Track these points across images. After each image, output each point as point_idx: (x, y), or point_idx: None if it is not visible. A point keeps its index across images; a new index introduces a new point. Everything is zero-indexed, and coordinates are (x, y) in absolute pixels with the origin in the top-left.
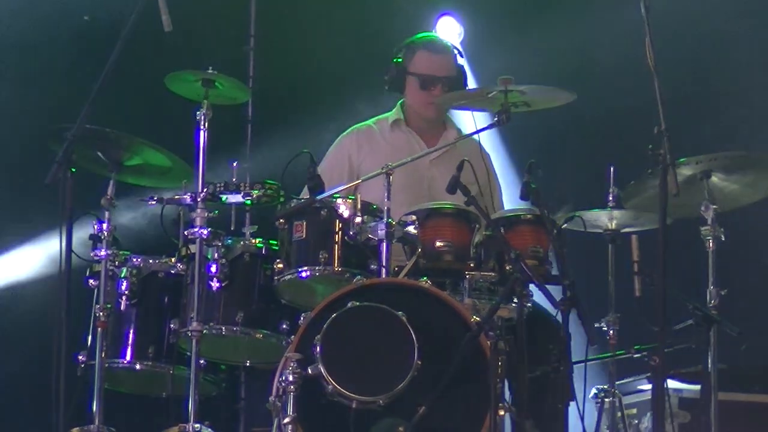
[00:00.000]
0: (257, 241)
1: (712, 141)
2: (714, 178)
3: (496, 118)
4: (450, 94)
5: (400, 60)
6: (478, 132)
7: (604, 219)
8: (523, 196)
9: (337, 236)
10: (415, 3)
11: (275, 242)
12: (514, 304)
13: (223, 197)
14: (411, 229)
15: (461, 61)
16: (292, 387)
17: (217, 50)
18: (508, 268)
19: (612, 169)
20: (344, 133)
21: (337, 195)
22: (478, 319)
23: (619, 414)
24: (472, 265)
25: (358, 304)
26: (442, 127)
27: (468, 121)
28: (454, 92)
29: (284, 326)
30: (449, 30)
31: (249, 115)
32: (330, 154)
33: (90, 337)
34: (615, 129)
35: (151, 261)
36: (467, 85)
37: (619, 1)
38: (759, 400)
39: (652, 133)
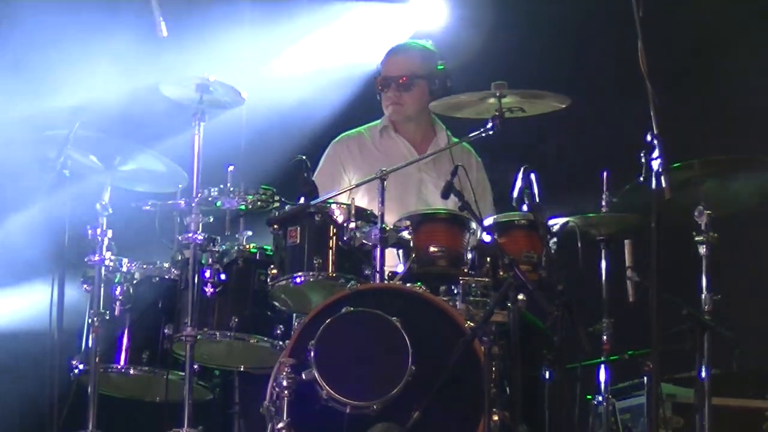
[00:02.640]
0: (251, 246)
1: (705, 146)
2: (707, 184)
3: (489, 124)
4: (442, 100)
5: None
6: (470, 138)
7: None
8: (517, 202)
9: (331, 241)
10: None
11: (269, 247)
12: (507, 309)
13: (218, 202)
14: (405, 234)
15: (436, 58)
16: (286, 392)
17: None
18: (501, 273)
19: (605, 174)
20: (334, 141)
21: (331, 200)
22: (472, 324)
23: (612, 419)
24: (465, 270)
25: (352, 309)
26: (431, 133)
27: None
28: (445, 98)
29: (278, 331)
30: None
31: (244, 120)
32: (322, 162)
33: (84, 342)
34: (608, 134)
35: (145, 266)
36: (444, 86)
37: (613, 3)
38: (752, 405)
39: (645, 139)
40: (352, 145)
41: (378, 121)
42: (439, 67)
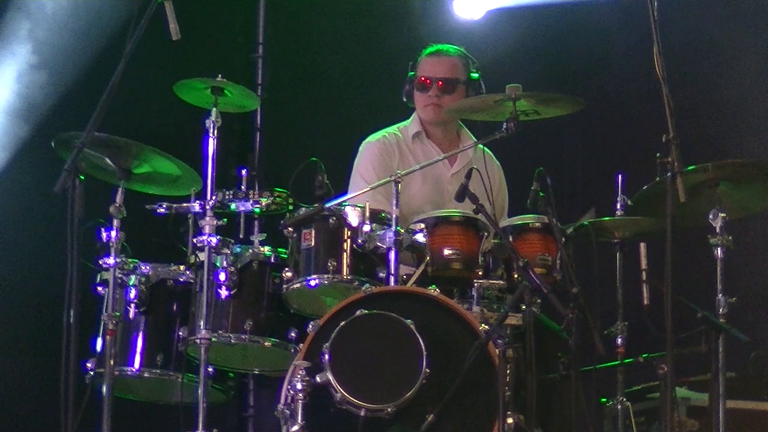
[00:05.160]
0: (266, 249)
1: (720, 149)
2: (722, 186)
3: (504, 127)
4: (457, 103)
5: (411, 73)
6: (484, 141)
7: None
8: (532, 205)
9: (345, 244)
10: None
11: (284, 250)
12: (522, 312)
13: (232, 205)
14: (419, 237)
15: (472, 65)
16: (300, 395)
17: (225, 58)
18: (516, 276)
19: (620, 177)
20: (376, 136)
21: (346, 203)
22: (486, 327)
23: (627, 422)
24: (480, 273)
25: (366, 312)
26: (457, 138)
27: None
28: (461, 101)
29: (293, 334)
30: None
31: (258, 122)
32: (371, 159)
33: (99, 345)
34: (624, 137)
35: (159, 269)
36: (478, 94)
37: (628, 9)
38: (767, 408)
39: (660, 141)
40: (394, 145)
41: (407, 122)
42: (475, 76)
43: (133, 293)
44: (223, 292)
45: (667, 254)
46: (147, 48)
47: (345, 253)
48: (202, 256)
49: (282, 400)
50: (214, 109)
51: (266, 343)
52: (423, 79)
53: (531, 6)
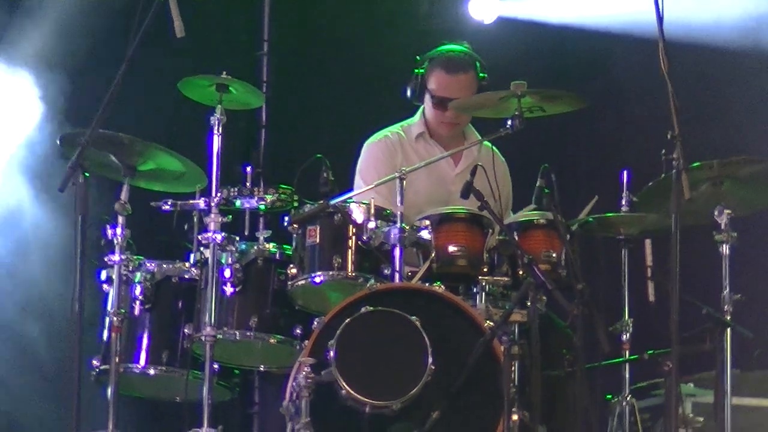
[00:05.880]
0: (271, 246)
1: (725, 146)
2: (727, 183)
3: (509, 124)
4: (461, 101)
5: (422, 71)
6: (489, 138)
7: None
8: (537, 201)
9: (350, 241)
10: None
11: (289, 247)
12: (527, 309)
13: (237, 202)
14: (424, 234)
15: (481, 68)
16: (305, 392)
17: (230, 55)
18: (521, 272)
19: (626, 173)
20: (378, 136)
21: (351, 200)
22: (491, 323)
23: (632, 419)
24: (485, 270)
25: (371, 309)
26: (462, 140)
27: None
28: (465, 99)
29: (298, 331)
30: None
31: (263, 119)
32: (375, 160)
33: (105, 342)
34: (629, 134)
35: (165, 266)
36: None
37: (633, 6)
38: None
39: (665, 138)
40: (396, 144)
41: (410, 120)
42: (483, 75)
43: (138, 290)
44: (228, 289)
45: (673, 251)
46: (151, 45)
47: (350, 250)
48: (207, 253)
49: (287, 397)
50: (219, 106)
51: (271, 340)
52: (439, 98)
53: (541, 23)
